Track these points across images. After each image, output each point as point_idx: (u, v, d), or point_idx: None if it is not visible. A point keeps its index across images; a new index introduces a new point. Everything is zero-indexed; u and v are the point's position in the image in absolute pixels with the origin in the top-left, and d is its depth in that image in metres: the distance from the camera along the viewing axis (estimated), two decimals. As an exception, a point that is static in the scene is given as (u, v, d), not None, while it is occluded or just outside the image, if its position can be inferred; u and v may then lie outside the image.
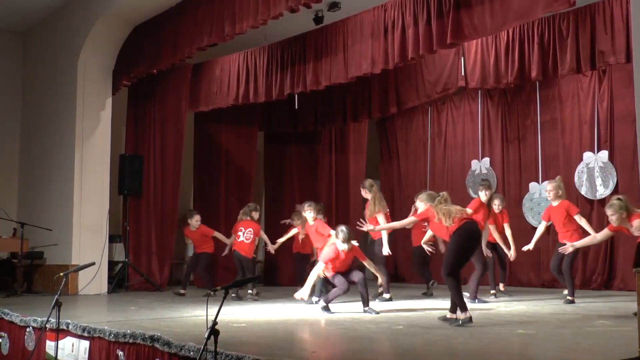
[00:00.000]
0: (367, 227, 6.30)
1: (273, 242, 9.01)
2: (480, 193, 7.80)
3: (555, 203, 7.57)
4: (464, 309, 5.43)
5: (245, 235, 8.48)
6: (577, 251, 7.38)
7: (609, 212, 6.08)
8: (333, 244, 6.49)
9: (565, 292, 7.62)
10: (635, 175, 8.77)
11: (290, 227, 9.20)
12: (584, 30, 7.67)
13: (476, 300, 7.33)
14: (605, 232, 6.25)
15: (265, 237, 9.14)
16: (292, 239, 9.29)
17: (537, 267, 10.11)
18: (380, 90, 10.04)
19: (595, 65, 7.79)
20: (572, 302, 7.31)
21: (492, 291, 8.14)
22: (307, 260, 9.36)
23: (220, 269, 10.19)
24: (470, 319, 5.38)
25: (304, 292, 6.42)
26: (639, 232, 6.03)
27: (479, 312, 6.22)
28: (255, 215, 8.72)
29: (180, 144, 10.01)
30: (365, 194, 8.09)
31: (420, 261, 8.83)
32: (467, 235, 5.55)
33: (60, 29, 10.14)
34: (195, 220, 9.17)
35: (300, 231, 8.62)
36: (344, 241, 6.32)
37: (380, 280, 7.11)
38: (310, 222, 7.77)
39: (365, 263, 6.48)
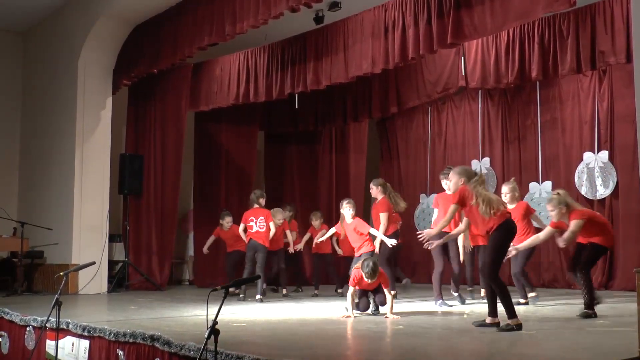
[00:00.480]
0: (427, 232, 5.80)
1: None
2: (443, 183, 7.36)
3: (512, 205, 7.21)
4: (513, 314, 5.05)
5: (259, 225, 8.13)
6: (532, 252, 7.20)
7: (548, 207, 5.98)
8: (358, 268, 6.23)
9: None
10: (636, 175, 8.77)
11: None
12: (584, 30, 7.68)
13: (438, 302, 7.01)
14: (547, 230, 6.11)
15: (289, 235, 9.01)
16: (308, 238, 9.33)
17: (537, 267, 10.10)
18: (381, 90, 10.04)
19: (596, 65, 7.80)
20: (526, 304, 7.09)
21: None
22: (327, 260, 9.28)
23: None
24: (520, 325, 5.01)
25: (349, 311, 6.22)
26: (564, 244, 5.92)
27: (478, 312, 6.21)
28: (263, 201, 8.41)
29: (180, 143, 10.01)
30: (377, 192, 7.81)
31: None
32: (510, 234, 5.23)
33: (60, 28, 10.14)
34: (226, 222, 9.13)
35: (339, 231, 7.78)
36: (368, 277, 6.09)
37: (388, 299, 6.39)
38: (349, 219, 7.33)
39: (386, 291, 6.23)
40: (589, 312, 5.89)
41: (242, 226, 8.28)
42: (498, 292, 5.08)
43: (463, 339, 4.65)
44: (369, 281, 6.15)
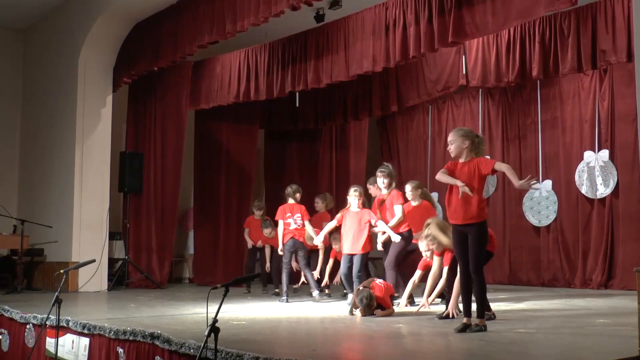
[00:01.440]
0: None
1: None
2: (379, 182, 7.15)
3: (415, 203, 7.23)
4: (483, 315, 4.96)
5: (297, 222, 7.67)
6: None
7: (423, 247, 5.91)
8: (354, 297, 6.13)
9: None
10: (636, 174, 8.78)
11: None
12: (585, 29, 7.67)
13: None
14: (438, 263, 5.95)
15: (310, 229, 7.80)
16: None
17: (537, 266, 10.12)
18: (381, 88, 10.04)
19: (597, 64, 7.80)
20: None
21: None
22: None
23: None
24: (486, 327, 4.91)
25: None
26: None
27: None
28: (299, 196, 7.95)
29: (180, 141, 10.01)
30: (375, 190, 7.61)
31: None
32: None
33: (61, 26, 10.14)
34: None
35: (340, 222, 7.25)
36: (364, 312, 5.96)
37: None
38: (355, 207, 6.99)
39: (387, 311, 6.07)
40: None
41: (280, 223, 7.73)
42: (479, 288, 4.90)
43: (463, 338, 4.65)
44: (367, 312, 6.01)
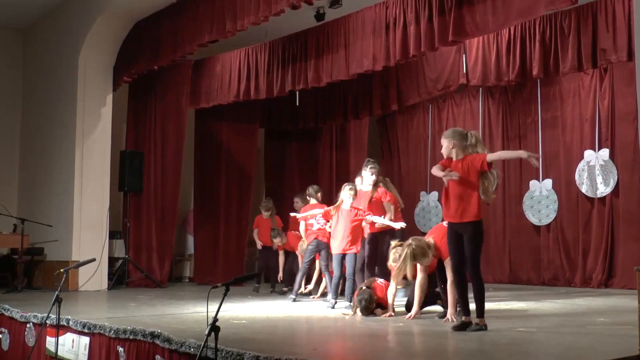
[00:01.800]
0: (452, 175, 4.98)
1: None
2: (364, 174, 7.28)
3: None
4: (483, 314, 4.92)
5: (320, 222, 7.49)
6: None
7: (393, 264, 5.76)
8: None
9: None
10: (636, 173, 8.77)
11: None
12: (585, 28, 7.66)
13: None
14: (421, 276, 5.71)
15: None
16: None
17: (538, 265, 10.11)
18: (381, 87, 10.03)
19: (597, 63, 7.79)
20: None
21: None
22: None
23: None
24: (486, 326, 4.91)
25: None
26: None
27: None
28: (320, 196, 7.93)
29: (181, 140, 10.00)
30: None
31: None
32: None
33: (61, 25, 10.13)
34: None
35: (328, 216, 7.20)
36: (363, 314, 5.97)
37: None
38: (347, 205, 6.85)
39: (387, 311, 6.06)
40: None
41: (302, 224, 7.69)
42: (477, 287, 4.87)
43: (462, 338, 4.65)
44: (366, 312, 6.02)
